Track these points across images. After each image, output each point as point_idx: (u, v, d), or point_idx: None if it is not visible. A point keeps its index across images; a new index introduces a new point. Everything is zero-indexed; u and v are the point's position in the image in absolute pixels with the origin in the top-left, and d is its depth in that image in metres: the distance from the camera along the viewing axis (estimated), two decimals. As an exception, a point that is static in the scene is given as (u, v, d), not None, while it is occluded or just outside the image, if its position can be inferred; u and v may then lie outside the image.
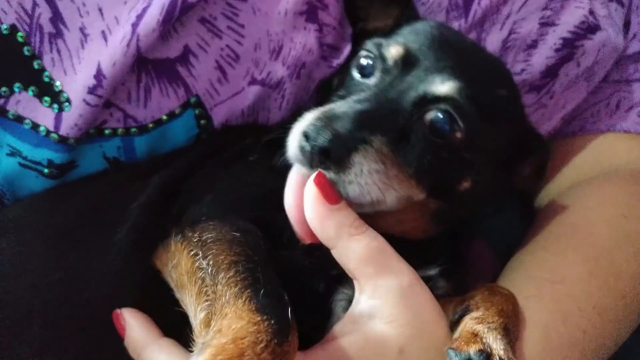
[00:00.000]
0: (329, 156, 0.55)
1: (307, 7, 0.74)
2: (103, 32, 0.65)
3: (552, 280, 0.69)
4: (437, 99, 0.61)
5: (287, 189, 0.58)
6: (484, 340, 0.56)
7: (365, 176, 0.57)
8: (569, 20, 0.84)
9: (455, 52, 0.66)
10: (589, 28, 0.84)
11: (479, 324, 0.57)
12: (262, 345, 0.46)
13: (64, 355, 0.57)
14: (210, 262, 0.54)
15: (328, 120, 0.56)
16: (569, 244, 0.75)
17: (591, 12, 0.84)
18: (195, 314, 0.52)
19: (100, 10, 0.65)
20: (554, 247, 0.75)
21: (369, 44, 0.68)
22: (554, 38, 0.84)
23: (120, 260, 0.61)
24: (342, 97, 0.64)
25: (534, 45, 0.84)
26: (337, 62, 0.78)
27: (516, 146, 0.71)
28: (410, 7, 0.79)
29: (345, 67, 0.74)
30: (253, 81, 0.73)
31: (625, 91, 0.94)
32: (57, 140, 0.64)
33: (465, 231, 0.77)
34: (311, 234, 0.57)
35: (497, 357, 0.54)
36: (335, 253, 0.57)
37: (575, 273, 0.70)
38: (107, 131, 0.68)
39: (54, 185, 0.67)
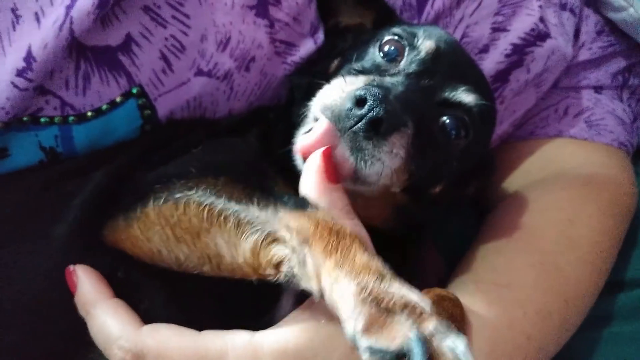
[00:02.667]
0: (378, 128, 0.53)
1: (257, 2, 0.71)
2: (36, 13, 0.60)
3: (498, 284, 0.68)
4: (459, 106, 0.63)
5: (312, 135, 0.55)
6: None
7: (392, 158, 0.55)
8: (520, 26, 0.83)
9: (468, 63, 0.69)
10: (538, 35, 0.84)
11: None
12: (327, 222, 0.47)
13: None
14: (229, 200, 0.51)
15: (385, 92, 0.54)
16: (517, 247, 0.74)
17: (542, 19, 0.84)
18: (238, 245, 0.50)
19: None
20: (503, 250, 0.74)
21: (399, 29, 0.67)
22: (504, 43, 0.83)
23: (59, 255, 0.57)
24: (363, 73, 0.63)
25: (485, 49, 0.83)
26: (292, 58, 0.75)
27: (478, 164, 0.72)
28: (383, 6, 0.77)
29: (326, 53, 0.73)
30: (199, 72, 0.69)
31: (574, 97, 0.93)
32: (-17, 124, 0.60)
33: (416, 234, 0.75)
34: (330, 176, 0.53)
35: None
36: None
37: (522, 277, 0.69)
38: (43, 119, 0.64)
39: None
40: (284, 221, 0.49)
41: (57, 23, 0.59)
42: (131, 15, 0.64)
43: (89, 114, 0.66)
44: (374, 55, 0.66)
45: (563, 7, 0.90)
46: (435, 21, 0.81)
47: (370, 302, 0.43)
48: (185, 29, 0.67)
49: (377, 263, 0.46)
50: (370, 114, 0.53)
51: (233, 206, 0.51)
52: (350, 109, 0.54)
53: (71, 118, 0.65)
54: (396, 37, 0.66)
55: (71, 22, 0.59)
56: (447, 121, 0.63)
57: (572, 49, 0.90)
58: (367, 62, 0.66)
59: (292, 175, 0.58)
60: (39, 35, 0.59)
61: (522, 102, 0.89)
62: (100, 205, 0.59)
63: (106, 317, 0.53)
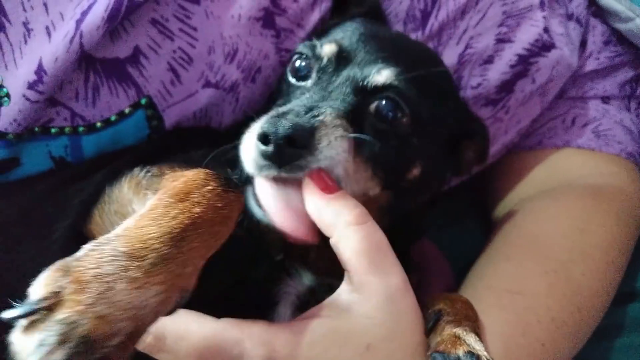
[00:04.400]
0: (295, 143, 0.51)
1: (264, 14, 0.71)
2: (47, 27, 0.61)
3: (511, 291, 0.67)
4: (377, 89, 0.60)
5: (264, 203, 0.53)
6: (467, 342, 0.53)
7: (335, 145, 0.54)
8: (524, 37, 0.82)
9: (384, 42, 0.64)
10: (543, 46, 0.83)
11: (457, 327, 0.55)
12: (209, 187, 0.47)
13: None
14: (156, 172, 0.54)
15: (279, 116, 0.53)
16: (528, 255, 0.73)
17: (546, 30, 0.83)
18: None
19: (45, 5, 0.61)
20: (514, 258, 0.73)
21: (301, 47, 0.65)
22: (509, 54, 0.82)
23: (60, 256, 0.57)
24: (284, 104, 0.60)
25: (489, 60, 0.82)
26: None
27: (456, 126, 0.68)
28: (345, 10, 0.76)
29: (281, 76, 0.70)
30: (207, 84, 0.69)
31: (581, 108, 0.92)
32: (-5, 135, 0.61)
33: (412, 229, 0.73)
34: (302, 232, 0.52)
35: (485, 358, 0.52)
36: (332, 241, 0.52)
37: (535, 285, 0.68)
38: (53, 130, 0.64)
39: None
40: (171, 173, 0.51)
41: (68, 37, 0.60)
42: (139, 28, 0.65)
43: (99, 124, 0.66)
44: (291, 80, 0.65)
45: (569, 17, 0.90)
46: (439, 32, 0.81)
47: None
48: (192, 41, 0.68)
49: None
50: (279, 138, 0.51)
51: (153, 175, 0.53)
52: (265, 151, 0.52)
53: (81, 128, 0.65)
54: (299, 55, 0.65)
55: (81, 36, 0.60)
56: (378, 105, 0.59)
57: (579, 59, 0.89)
58: (287, 90, 0.65)
59: None
60: (50, 49, 0.60)
61: (528, 112, 0.88)
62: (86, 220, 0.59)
63: None
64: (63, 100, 0.64)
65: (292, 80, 0.64)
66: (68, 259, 0.41)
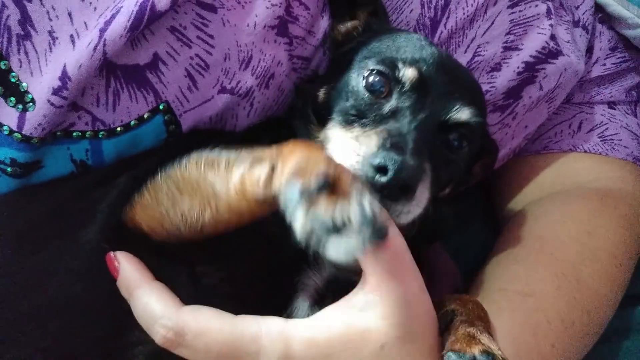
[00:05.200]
0: (406, 190, 0.56)
1: (279, 22, 0.72)
2: (71, 36, 0.63)
3: (522, 293, 0.68)
4: (457, 125, 0.65)
5: None
6: (482, 341, 0.54)
7: (421, 204, 0.58)
8: (531, 45, 0.83)
9: (454, 74, 0.69)
10: (550, 53, 0.84)
11: (470, 326, 0.56)
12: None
13: (25, 350, 0.55)
14: (223, 150, 0.55)
15: (402, 153, 0.56)
16: (538, 258, 0.74)
17: (553, 37, 0.84)
18: (228, 179, 0.53)
19: (70, 15, 0.63)
20: (524, 260, 0.74)
21: (374, 63, 0.66)
22: (516, 62, 0.83)
23: (89, 258, 0.58)
24: (360, 117, 0.65)
25: (497, 68, 0.84)
26: (306, 72, 0.76)
27: (480, 147, 0.73)
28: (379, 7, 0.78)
29: (328, 78, 0.73)
30: (222, 90, 0.71)
31: (588, 113, 0.93)
32: (20, 139, 0.62)
33: (428, 239, 0.76)
34: None
35: (500, 357, 0.53)
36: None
37: (544, 287, 0.69)
38: (75, 134, 0.66)
39: (19, 186, 0.65)
40: (267, 150, 0.53)
41: (92, 45, 0.62)
42: (158, 36, 0.67)
43: (119, 129, 0.68)
44: (359, 90, 0.66)
45: (576, 24, 0.91)
46: (448, 40, 0.82)
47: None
48: (209, 48, 0.69)
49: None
50: (394, 182, 0.55)
51: (225, 153, 0.55)
52: (373, 178, 0.55)
53: (102, 133, 0.67)
54: (376, 71, 0.66)
55: (104, 44, 0.62)
56: (452, 139, 0.65)
57: (585, 64, 0.90)
58: (355, 100, 0.66)
59: None
60: (74, 56, 0.62)
61: (535, 118, 0.89)
62: (124, 209, 0.60)
63: (149, 297, 0.54)
64: (85, 105, 0.65)
65: (365, 93, 0.66)
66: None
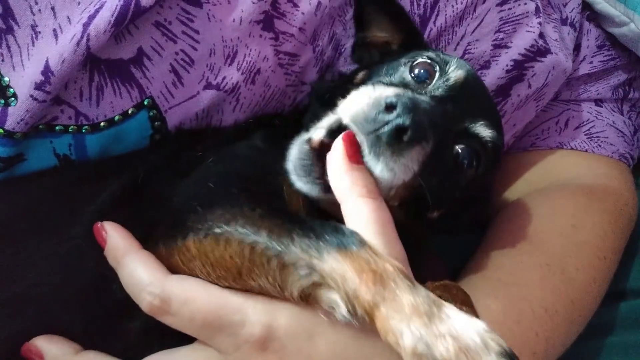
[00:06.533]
0: (401, 137, 0.53)
1: (264, 17, 0.72)
2: (54, 30, 0.62)
3: (506, 282, 0.68)
4: (476, 138, 0.63)
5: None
6: None
7: (405, 171, 0.55)
8: (520, 43, 0.83)
9: (491, 103, 0.71)
10: (538, 51, 0.84)
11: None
12: (370, 265, 0.47)
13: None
14: (269, 238, 0.50)
15: (415, 103, 0.54)
16: (522, 250, 0.74)
17: (542, 36, 0.84)
18: (284, 289, 0.49)
19: (52, 9, 0.62)
20: (509, 252, 0.74)
21: (433, 54, 0.67)
22: (505, 59, 0.83)
23: (76, 253, 0.58)
24: (392, 86, 0.63)
25: (486, 65, 0.83)
26: (293, 68, 0.76)
27: (476, 198, 0.72)
28: (414, 29, 0.78)
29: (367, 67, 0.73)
30: (208, 85, 0.71)
31: (575, 110, 0.93)
32: (3, 134, 0.61)
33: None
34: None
35: None
36: (343, 208, 0.54)
37: (529, 277, 0.70)
38: (58, 128, 0.65)
39: (1, 178, 0.64)
40: (329, 265, 0.47)
41: (75, 39, 0.61)
42: (143, 30, 0.66)
43: (102, 124, 0.67)
44: (404, 73, 0.67)
45: (564, 22, 0.91)
46: (437, 38, 0.82)
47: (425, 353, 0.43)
48: (194, 43, 0.69)
49: (423, 298, 0.46)
50: (397, 120, 0.53)
51: (275, 246, 0.49)
52: (377, 113, 0.54)
53: (85, 128, 0.67)
54: (429, 61, 0.67)
55: (88, 39, 0.61)
56: (462, 150, 0.63)
57: (573, 62, 0.90)
58: (395, 78, 0.67)
59: None
60: (57, 50, 0.61)
61: (523, 116, 0.89)
62: (114, 215, 0.60)
63: (136, 265, 0.54)
64: (68, 99, 0.65)
65: (407, 73, 0.66)
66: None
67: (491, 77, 0.83)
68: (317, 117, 0.63)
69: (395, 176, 0.55)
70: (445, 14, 0.81)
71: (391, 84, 0.65)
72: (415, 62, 0.67)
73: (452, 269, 0.85)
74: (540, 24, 0.84)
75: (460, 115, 0.63)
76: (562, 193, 0.84)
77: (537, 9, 0.84)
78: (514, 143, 0.93)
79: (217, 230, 0.52)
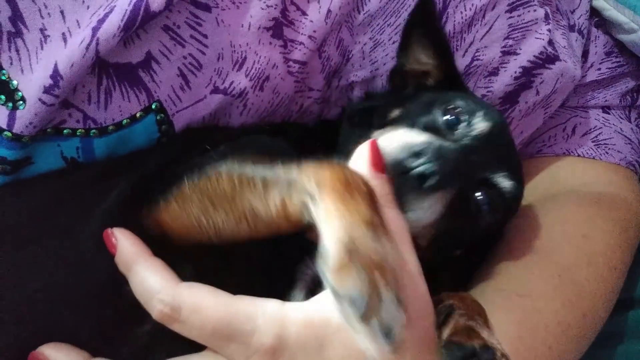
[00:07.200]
0: (426, 182, 0.56)
1: (274, 24, 0.71)
2: (63, 34, 0.62)
3: (519, 294, 0.68)
4: (495, 188, 0.65)
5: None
6: (482, 335, 0.53)
7: (428, 213, 0.58)
8: (529, 50, 0.82)
9: (513, 152, 0.73)
10: (547, 58, 0.83)
11: (470, 320, 0.55)
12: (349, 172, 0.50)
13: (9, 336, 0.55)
14: (255, 166, 0.54)
15: (441, 151, 0.58)
16: (534, 259, 0.73)
17: (550, 42, 0.83)
18: (268, 204, 0.51)
19: (62, 12, 0.62)
20: (520, 262, 0.74)
21: (463, 102, 0.69)
22: (514, 67, 0.82)
23: (85, 254, 0.58)
24: (424, 128, 0.66)
25: (495, 72, 0.83)
26: (302, 76, 0.76)
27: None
28: (453, 69, 0.78)
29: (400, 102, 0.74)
30: (215, 90, 0.70)
31: (582, 117, 0.93)
32: (11, 138, 0.61)
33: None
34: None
35: (500, 352, 0.52)
36: None
37: (541, 289, 0.69)
38: (66, 131, 0.65)
39: (8, 181, 0.64)
40: (305, 172, 0.51)
41: (84, 43, 0.61)
42: (152, 34, 0.66)
43: (110, 127, 0.67)
44: (436, 116, 0.68)
45: (572, 28, 0.90)
46: (446, 44, 0.81)
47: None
48: (203, 48, 0.68)
49: (374, 218, 0.47)
50: (425, 166, 0.56)
51: (260, 171, 0.53)
52: (407, 158, 0.57)
53: (93, 131, 0.66)
54: (459, 108, 0.68)
55: (97, 43, 0.61)
56: (482, 197, 0.65)
57: (581, 69, 0.89)
58: (428, 120, 0.68)
59: None
60: (66, 54, 0.61)
61: (530, 123, 0.88)
62: (124, 214, 0.60)
63: (147, 272, 0.53)
64: (76, 102, 0.64)
65: (442, 119, 0.68)
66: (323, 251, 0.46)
67: (499, 84, 0.83)
68: (349, 140, 0.66)
69: (418, 217, 0.57)
70: (454, 20, 0.80)
71: (423, 127, 0.67)
72: (449, 107, 0.68)
73: (457, 278, 0.84)
74: (549, 30, 0.83)
75: (483, 166, 0.65)
76: (570, 201, 0.83)
77: (546, 16, 0.83)
78: (520, 150, 0.92)
79: (209, 169, 0.55)
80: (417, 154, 0.57)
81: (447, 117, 0.67)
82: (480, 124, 0.67)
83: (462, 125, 0.67)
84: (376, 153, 0.54)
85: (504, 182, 0.66)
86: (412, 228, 0.56)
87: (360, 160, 0.54)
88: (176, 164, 0.64)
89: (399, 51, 0.77)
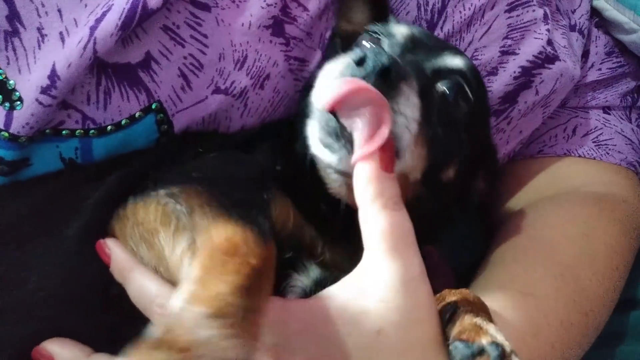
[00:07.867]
0: (387, 76, 0.52)
1: (273, 22, 0.71)
2: (61, 33, 0.61)
3: (523, 293, 0.67)
4: (450, 71, 0.62)
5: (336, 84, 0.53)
6: (490, 332, 0.51)
7: (410, 107, 0.54)
8: (528, 50, 0.82)
9: (445, 42, 0.72)
10: (547, 58, 0.82)
11: (476, 317, 0.53)
12: (252, 237, 0.47)
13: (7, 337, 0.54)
14: (184, 205, 0.51)
15: (380, 52, 0.54)
16: (537, 259, 0.73)
17: (550, 42, 0.83)
18: (173, 248, 0.51)
19: (59, 11, 0.61)
20: (523, 261, 0.73)
21: (373, 27, 0.67)
22: (513, 66, 0.82)
23: (72, 253, 0.58)
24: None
25: (494, 72, 0.82)
26: (303, 74, 0.74)
27: (482, 151, 0.70)
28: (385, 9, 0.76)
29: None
30: (216, 90, 0.69)
31: (583, 117, 0.92)
32: (8, 138, 0.60)
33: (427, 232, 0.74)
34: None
35: (509, 349, 0.50)
36: (361, 214, 0.52)
37: (544, 288, 0.69)
38: (64, 132, 0.64)
39: (6, 182, 0.63)
40: (202, 239, 0.48)
41: (82, 43, 0.60)
42: (151, 34, 0.65)
43: (109, 128, 0.66)
44: (360, 45, 0.67)
45: (572, 28, 0.90)
46: (445, 43, 0.81)
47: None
48: (203, 48, 0.67)
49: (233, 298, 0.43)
50: (376, 64, 0.52)
51: (181, 210, 0.51)
52: (355, 68, 0.53)
53: (92, 132, 0.65)
54: (372, 34, 0.66)
55: (95, 43, 0.60)
56: (445, 86, 0.61)
57: (581, 69, 0.89)
58: (354, 53, 0.64)
59: (296, 185, 0.60)
60: (64, 54, 0.60)
61: (530, 123, 0.88)
62: (110, 208, 0.59)
63: (143, 279, 0.54)
64: (74, 103, 0.63)
65: (366, 44, 0.66)
66: (149, 334, 0.41)
67: (498, 84, 0.82)
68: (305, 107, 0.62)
69: (407, 120, 0.54)
70: (453, 20, 0.80)
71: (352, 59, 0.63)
72: (362, 40, 0.67)
73: (459, 276, 0.84)
74: (548, 30, 0.83)
75: (425, 59, 0.62)
76: (572, 201, 0.83)
77: (545, 16, 0.83)
78: (520, 150, 0.92)
79: (151, 194, 0.54)
80: (360, 61, 0.53)
81: (369, 41, 0.66)
82: (399, 30, 0.66)
83: (385, 39, 0.65)
84: (386, 152, 0.52)
85: (454, 61, 0.64)
86: (408, 138, 0.55)
87: (369, 158, 0.51)
88: (159, 168, 0.64)
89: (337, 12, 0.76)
